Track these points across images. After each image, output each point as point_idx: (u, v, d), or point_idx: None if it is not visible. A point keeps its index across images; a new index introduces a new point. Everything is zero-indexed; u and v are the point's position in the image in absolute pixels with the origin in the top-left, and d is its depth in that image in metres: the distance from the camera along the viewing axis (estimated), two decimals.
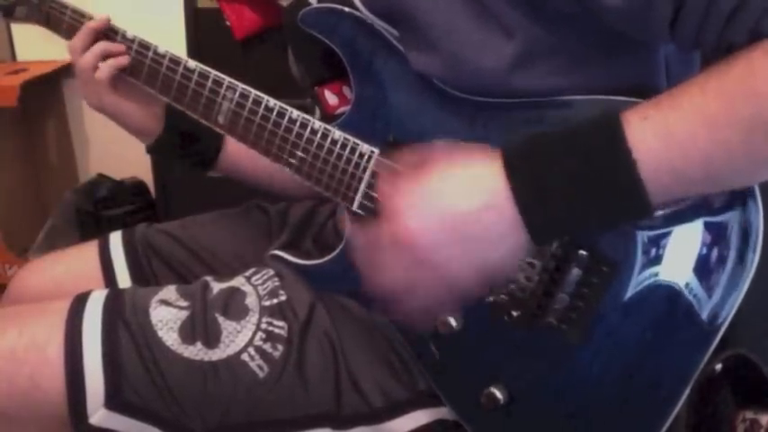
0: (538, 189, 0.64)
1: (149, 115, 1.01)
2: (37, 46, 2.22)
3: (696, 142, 0.61)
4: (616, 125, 0.63)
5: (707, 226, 0.70)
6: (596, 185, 0.63)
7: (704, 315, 0.71)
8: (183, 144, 1.04)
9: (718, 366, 0.78)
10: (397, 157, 0.74)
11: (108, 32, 0.95)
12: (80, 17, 0.96)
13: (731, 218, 0.70)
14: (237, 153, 1.06)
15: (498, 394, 0.76)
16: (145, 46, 0.93)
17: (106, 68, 0.94)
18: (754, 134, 0.60)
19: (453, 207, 0.65)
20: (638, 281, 0.71)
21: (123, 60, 0.94)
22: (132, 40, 0.94)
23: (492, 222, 0.65)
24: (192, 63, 0.91)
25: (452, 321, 0.77)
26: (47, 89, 2.29)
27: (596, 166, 0.63)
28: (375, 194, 0.73)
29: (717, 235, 0.70)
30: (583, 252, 0.72)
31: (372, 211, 0.81)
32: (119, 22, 0.95)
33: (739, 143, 0.60)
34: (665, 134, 0.62)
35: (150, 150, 1.05)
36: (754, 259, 0.71)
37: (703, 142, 0.61)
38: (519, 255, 0.68)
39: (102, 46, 0.94)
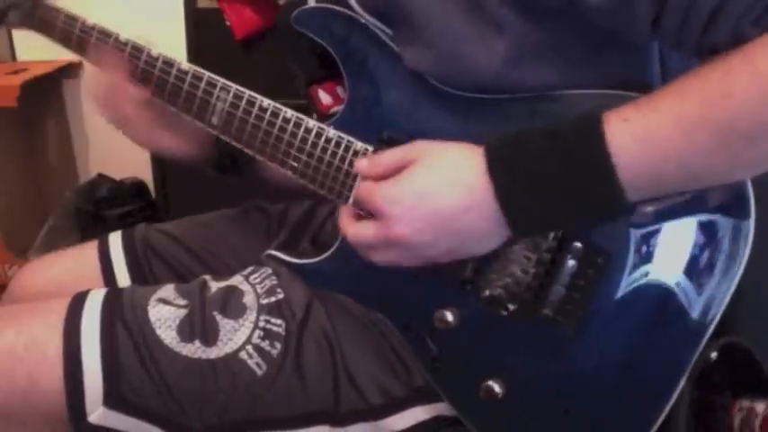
0: (518, 188, 0.67)
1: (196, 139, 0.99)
2: (37, 46, 2.19)
3: (673, 145, 0.62)
4: (596, 126, 0.64)
5: (700, 225, 0.71)
6: (575, 185, 0.65)
7: (695, 313, 0.72)
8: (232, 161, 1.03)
9: (713, 354, 0.78)
10: (379, 157, 0.77)
11: (102, 38, 0.93)
12: (72, 21, 0.95)
13: (723, 217, 0.71)
14: None
15: (496, 388, 0.77)
16: (138, 48, 0.92)
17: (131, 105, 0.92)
18: (730, 138, 0.61)
19: (439, 207, 0.70)
20: (631, 274, 0.72)
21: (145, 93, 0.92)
22: (126, 44, 0.92)
23: (474, 219, 0.69)
24: (186, 65, 0.90)
25: (449, 317, 0.78)
26: (47, 89, 2.30)
27: (575, 166, 0.65)
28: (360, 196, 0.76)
29: (709, 234, 0.71)
30: (577, 244, 0.72)
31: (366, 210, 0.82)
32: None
33: (715, 146, 0.61)
34: (644, 137, 0.63)
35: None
36: (745, 254, 0.72)
37: (680, 145, 0.62)
38: (501, 243, 0.72)
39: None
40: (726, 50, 0.62)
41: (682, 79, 0.63)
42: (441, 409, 0.83)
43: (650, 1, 0.64)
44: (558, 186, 0.66)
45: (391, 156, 0.75)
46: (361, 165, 0.77)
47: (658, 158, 0.63)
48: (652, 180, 0.64)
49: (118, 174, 2.26)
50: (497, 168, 0.68)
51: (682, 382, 0.73)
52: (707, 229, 0.71)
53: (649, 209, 0.69)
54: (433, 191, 0.70)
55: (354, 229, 0.76)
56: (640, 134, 0.63)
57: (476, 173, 0.68)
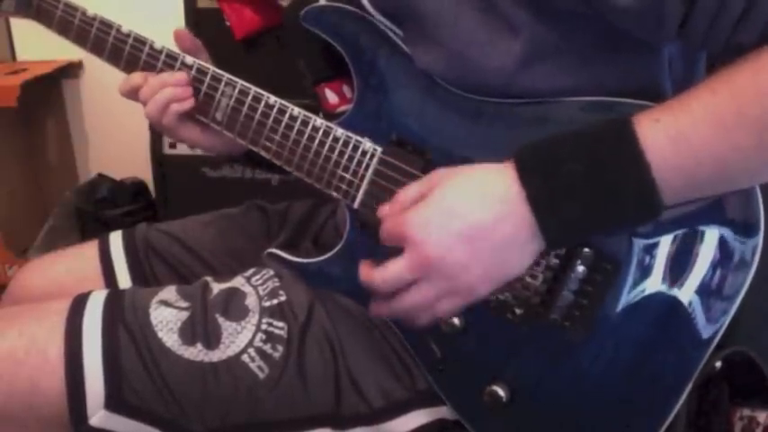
0: (551, 193, 0.65)
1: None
2: (37, 46, 2.22)
3: (707, 143, 0.62)
4: (627, 127, 0.63)
5: (704, 236, 0.71)
6: (609, 187, 0.64)
7: (701, 322, 0.72)
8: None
9: (718, 364, 0.78)
10: (400, 194, 0.72)
11: (103, 29, 0.92)
12: (72, 11, 0.94)
13: (730, 231, 0.71)
14: None
15: (500, 392, 0.77)
16: (141, 41, 0.91)
17: (171, 117, 0.90)
18: (764, 134, 0.61)
19: (471, 222, 0.66)
20: (639, 282, 0.72)
21: (188, 105, 0.90)
22: (128, 35, 0.92)
23: (509, 232, 0.66)
24: (190, 58, 0.90)
25: (455, 320, 0.77)
26: (47, 89, 2.29)
27: (609, 169, 0.64)
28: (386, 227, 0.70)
29: (724, 256, 0.71)
30: (587, 250, 0.72)
31: (374, 210, 0.81)
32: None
33: (750, 143, 0.61)
34: (677, 136, 0.62)
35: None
36: (752, 268, 0.72)
37: (714, 143, 0.62)
38: (534, 258, 0.69)
39: (168, 95, 0.89)
40: (749, 50, 0.62)
41: (710, 80, 0.63)
42: (443, 412, 0.83)
43: (680, 1, 0.63)
44: (591, 191, 0.64)
45: (412, 189, 0.71)
46: (383, 209, 0.72)
47: (692, 158, 0.62)
48: (687, 180, 0.64)
49: (118, 174, 2.26)
50: (529, 175, 0.66)
51: (687, 390, 0.73)
52: (723, 248, 0.71)
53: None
54: (463, 206, 0.67)
55: (382, 271, 0.69)
56: (673, 133, 0.62)
57: (507, 184, 0.66)
